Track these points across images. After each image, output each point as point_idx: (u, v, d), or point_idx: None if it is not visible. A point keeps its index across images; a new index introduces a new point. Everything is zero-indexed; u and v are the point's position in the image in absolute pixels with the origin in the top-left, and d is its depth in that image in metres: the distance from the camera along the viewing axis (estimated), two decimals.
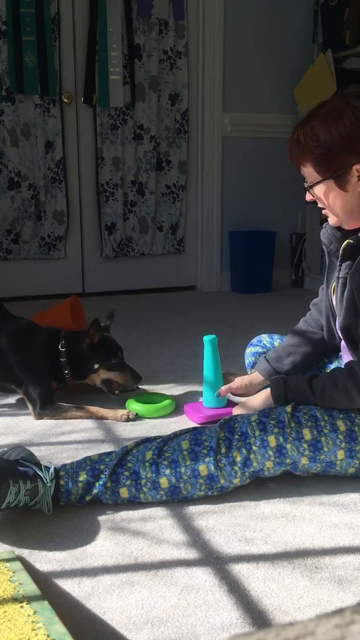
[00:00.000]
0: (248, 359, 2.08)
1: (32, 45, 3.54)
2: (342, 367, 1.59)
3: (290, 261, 4.35)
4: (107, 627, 1.04)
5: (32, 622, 1.00)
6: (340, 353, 1.76)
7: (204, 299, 3.95)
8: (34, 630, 0.98)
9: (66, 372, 2.07)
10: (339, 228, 1.62)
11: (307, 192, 1.55)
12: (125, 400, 2.07)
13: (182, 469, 1.40)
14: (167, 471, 1.40)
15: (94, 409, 1.98)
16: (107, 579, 1.17)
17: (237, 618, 1.06)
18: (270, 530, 1.33)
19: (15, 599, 1.06)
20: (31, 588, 1.09)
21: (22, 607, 1.04)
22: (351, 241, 1.50)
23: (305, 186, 1.55)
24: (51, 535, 1.31)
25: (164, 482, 1.40)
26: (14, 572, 1.14)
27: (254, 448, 1.42)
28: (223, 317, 3.40)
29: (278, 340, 2.04)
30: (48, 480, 1.35)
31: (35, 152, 3.68)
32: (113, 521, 1.37)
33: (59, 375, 2.08)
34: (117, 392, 2.10)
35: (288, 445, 1.42)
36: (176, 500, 1.43)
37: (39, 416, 1.97)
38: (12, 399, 2.15)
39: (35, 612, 1.02)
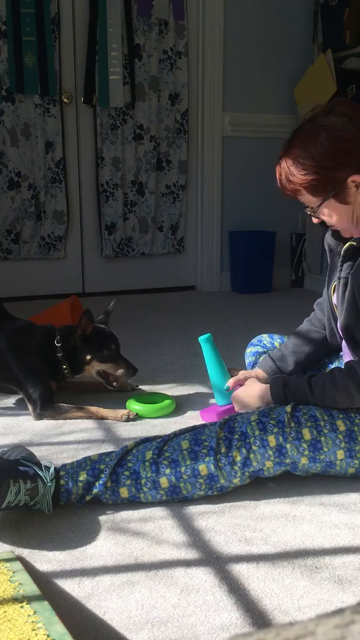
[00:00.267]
0: (248, 359, 2.08)
1: (32, 45, 3.54)
2: (342, 366, 1.59)
3: (290, 261, 4.35)
4: (107, 627, 1.04)
5: (32, 622, 1.00)
6: (342, 353, 1.76)
7: (204, 299, 3.95)
8: (34, 630, 0.98)
9: (64, 367, 2.06)
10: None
11: (312, 217, 1.55)
12: (125, 400, 2.07)
13: (182, 469, 1.40)
14: (167, 471, 1.40)
15: (94, 409, 1.97)
16: (107, 579, 1.17)
17: (237, 618, 1.06)
18: (270, 530, 1.33)
19: (15, 599, 1.06)
20: (31, 588, 1.09)
21: (22, 607, 1.04)
22: (354, 243, 1.51)
23: (309, 213, 1.55)
24: (51, 535, 1.31)
25: (164, 481, 1.40)
26: (14, 572, 1.14)
27: (254, 448, 1.42)
28: (223, 317, 3.40)
29: (278, 340, 2.04)
30: (48, 480, 1.35)
31: (35, 152, 3.68)
32: (113, 521, 1.37)
33: (58, 373, 2.07)
34: (115, 384, 2.09)
35: (288, 445, 1.42)
36: (176, 500, 1.43)
37: (39, 417, 1.96)
38: (12, 400, 2.15)
39: (35, 612, 1.02)
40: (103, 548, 1.27)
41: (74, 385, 2.21)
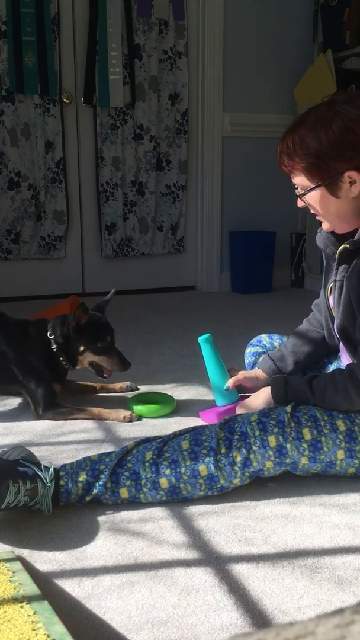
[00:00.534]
0: (248, 359, 2.08)
1: (32, 45, 3.54)
2: (343, 368, 1.59)
3: (290, 261, 4.35)
4: (107, 627, 1.04)
5: (32, 622, 1.00)
6: (340, 354, 1.77)
7: (204, 299, 3.95)
8: (34, 630, 0.98)
9: (62, 359, 2.01)
10: (332, 232, 1.62)
11: (299, 200, 1.55)
12: (125, 400, 2.07)
13: (182, 469, 1.40)
14: (167, 471, 1.40)
15: (96, 410, 1.96)
16: (107, 579, 1.17)
17: (237, 618, 1.06)
18: (270, 530, 1.33)
19: (15, 599, 1.06)
20: (31, 588, 1.09)
21: (22, 607, 1.04)
22: (347, 246, 1.50)
23: (297, 194, 1.55)
24: (51, 535, 1.31)
25: (164, 482, 1.40)
26: (14, 572, 1.14)
27: (254, 448, 1.42)
28: (223, 317, 3.40)
29: (278, 340, 2.04)
30: (48, 481, 1.35)
31: (35, 152, 3.68)
32: (113, 521, 1.37)
33: (57, 366, 2.02)
34: (105, 375, 2.03)
35: (288, 445, 1.42)
36: (176, 501, 1.43)
37: (40, 417, 1.96)
38: (12, 400, 2.15)
39: (35, 612, 1.02)
40: (103, 548, 1.27)
41: (75, 386, 2.21)
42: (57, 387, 2.03)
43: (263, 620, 1.06)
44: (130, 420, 1.94)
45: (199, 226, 4.18)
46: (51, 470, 1.37)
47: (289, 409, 1.47)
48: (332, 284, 1.61)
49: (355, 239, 1.50)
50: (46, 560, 1.23)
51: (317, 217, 1.57)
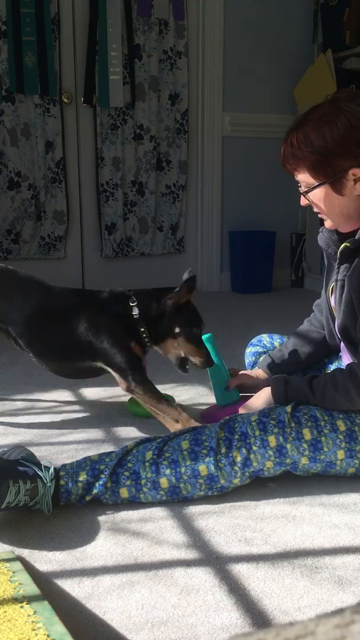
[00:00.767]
0: (248, 359, 2.08)
1: (32, 45, 3.54)
2: (343, 368, 1.59)
3: (290, 261, 4.35)
4: (107, 627, 1.04)
5: (32, 622, 1.00)
6: (340, 354, 1.77)
7: (204, 299, 3.95)
8: (34, 630, 0.98)
9: (143, 332, 1.81)
10: (336, 231, 1.62)
11: (302, 198, 1.55)
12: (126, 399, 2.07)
13: (182, 469, 1.40)
14: (167, 471, 1.40)
15: (177, 409, 1.75)
16: (107, 579, 1.17)
17: (237, 618, 1.06)
18: (270, 530, 1.33)
19: (15, 599, 1.06)
20: (31, 588, 1.09)
21: (22, 607, 1.04)
22: (348, 244, 1.50)
23: (301, 192, 1.55)
24: (51, 535, 1.31)
25: (164, 482, 1.40)
26: (14, 572, 1.14)
27: (254, 448, 1.42)
28: (223, 317, 3.40)
29: (278, 340, 2.04)
30: (48, 480, 1.35)
31: (35, 152, 3.67)
32: (113, 521, 1.37)
33: (138, 337, 1.82)
34: (186, 368, 1.86)
35: (288, 445, 1.42)
36: (176, 500, 1.43)
37: (133, 389, 1.74)
38: (12, 400, 2.15)
39: (35, 612, 1.02)
40: (103, 548, 1.27)
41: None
42: (138, 348, 1.82)
43: (263, 620, 1.06)
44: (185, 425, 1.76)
45: (199, 226, 4.18)
46: (51, 470, 1.37)
47: (289, 409, 1.47)
48: (333, 283, 1.61)
49: (356, 237, 1.50)
50: (46, 560, 1.23)
51: (320, 215, 1.57)
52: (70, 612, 1.08)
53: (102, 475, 1.40)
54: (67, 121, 3.75)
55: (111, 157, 3.84)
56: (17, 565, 1.17)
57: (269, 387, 1.63)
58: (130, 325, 1.81)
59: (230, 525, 1.35)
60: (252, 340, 2.13)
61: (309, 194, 1.52)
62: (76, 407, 2.06)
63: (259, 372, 1.87)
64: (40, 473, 1.35)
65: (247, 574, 1.18)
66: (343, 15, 3.68)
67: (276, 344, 2.03)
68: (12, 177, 3.67)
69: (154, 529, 1.33)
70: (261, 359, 1.92)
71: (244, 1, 3.96)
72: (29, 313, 1.82)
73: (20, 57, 3.54)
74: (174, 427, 1.72)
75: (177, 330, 1.80)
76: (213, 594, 1.12)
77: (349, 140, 1.42)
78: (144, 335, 1.82)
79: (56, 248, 3.84)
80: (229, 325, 3.18)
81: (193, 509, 1.41)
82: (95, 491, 1.40)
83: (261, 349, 2.05)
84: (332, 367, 1.84)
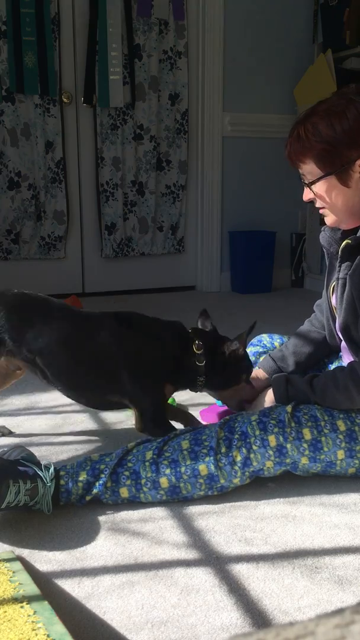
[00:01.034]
0: None
1: (32, 45, 3.54)
2: (344, 366, 1.59)
3: (290, 261, 4.35)
4: (107, 627, 1.04)
5: (32, 622, 1.00)
6: (341, 354, 1.76)
7: (204, 299, 3.95)
8: (34, 630, 0.98)
9: (200, 378, 1.68)
10: (338, 229, 1.62)
11: (306, 191, 1.54)
12: None
13: (182, 469, 1.40)
14: (167, 471, 1.40)
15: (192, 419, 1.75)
16: (107, 579, 1.17)
17: (237, 618, 1.06)
18: (270, 530, 1.33)
19: (15, 599, 1.06)
20: (31, 588, 1.09)
21: (22, 607, 1.04)
22: (349, 241, 1.50)
23: (305, 183, 1.53)
24: (51, 535, 1.31)
25: (164, 481, 1.40)
26: (14, 572, 1.14)
27: (254, 448, 1.42)
28: (223, 317, 3.40)
29: (278, 340, 2.04)
30: (48, 480, 1.35)
31: (35, 152, 3.67)
32: (113, 521, 1.37)
33: (192, 382, 1.70)
34: (245, 406, 1.76)
35: (288, 445, 1.42)
36: (176, 500, 1.43)
37: (147, 432, 1.63)
38: (12, 400, 2.15)
39: (35, 612, 1.02)
40: (103, 548, 1.27)
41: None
42: (170, 390, 1.70)
43: (263, 620, 1.06)
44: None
45: (199, 226, 4.18)
46: (51, 470, 1.37)
47: (289, 408, 1.47)
48: (334, 282, 1.61)
49: (358, 235, 1.49)
50: (46, 560, 1.23)
51: (322, 211, 1.56)
52: (70, 612, 1.08)
53: (102, 475, 1.40)
54: (67, 121, 3.75)
55: (111, 157, 3.84)
56: (17, 565, 1.17)
57: (271, 388, 1.63)
58: (189, 370, 1.67)
59: (230, 525, 1.35)
60: (252, 340, 2.13)
61: (313, 186, 1.51)
62: (76, 407, 2.06)
63: (259, 372, 1.87)
64: (40, 473, 1.35)
65: (247, 574, 1.18)
66: (343, 15, 3.68)
67: (276, 344, 2.03)
68: (12, 177, 3.67)
69: (154, 529, 1.33)
70: (261, 359, 1.92)
71: (244, 1, 3.96)
72: (58, 341, 1.62)
73: (20, 57, 3.54)
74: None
75: (244, 376, 1.73)
76: (213, 594, 1.12)
77: (358, 130, 1.42)
78: (200, 383, 1.69)
79: (56, 248, 3.84)
80: (229, 325, 3.18)
81: (193, 509, 1.41)
82: (95, 491, 1.40)
83: (261, 349, 2.04)
84: (333, 367, 1.84)
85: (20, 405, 2.10)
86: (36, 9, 3.51)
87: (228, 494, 1.46)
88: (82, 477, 1.40)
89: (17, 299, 1.68)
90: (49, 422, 1.94)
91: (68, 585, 1.15)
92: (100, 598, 1.11)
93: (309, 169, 1.50)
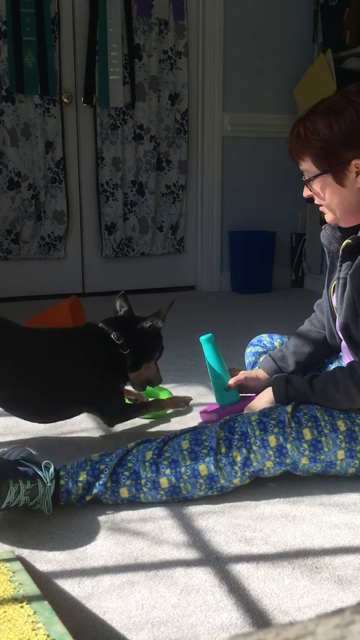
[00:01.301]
0: (248, 359, 2.07)
1: (32, 45, 3.54)
2: (344, 366, 1.59)
3: (290, 261, 4.35)
4: (107, 627, 1.04)
5: (32, 622, 1.00)
6: (341, 353, 1.76)
7: (204, 299, 3.95)
8: (34, 630, 0.98)
9: (128, 364, 1.81)
10: (339, 228, 1.62)
11: (305, 188, 1.55)
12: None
13: (182, 469, 1.40)
14: (167, 471, 1.40)
15: (156, 402, 1.94)
16: (107, 579, 1.17)
17: (237, 618, 1.06)
18: (270, 530, 1.33)
19: (15, 599, 1.06)
20: (31, 588, 1.09)
21: (22, 607, 1.04)
22: (350, 241, 1.50)
23: (303, 180, 1.55)
24: (51, 535, 1.31)
25: (164, 482, 1.40)
26: (14, 572, 1.14)
27: (254, 448, 1.42)
28: (223, 317, 3.40)
29: (278, 340, 2.04)
30: (48, 480, 1.35)
31: (35, 152, 3.68)
32: (113, 521, 1.37)
33: (124, 372, 1.83)
34: (144, 387, 1.93)
35: (288, 445, 1.42)
36: (176, 500, 1.43)
37: (114, 425, 1.84)
38: None
39: (35, 612, 1.02)
40: (103, 548, 1.27)
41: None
42: (122, 388, 1.88)
43: (263, 620, 1.06)
44: (187, 404, 1.97)
45: (199, 226, 4.18)
46: (51, 470, 1.37)
47: (289, 408, 1.47)
48: (335, 282, 1.61)
49: (359, 234, 1.50)
50: (46, 560, 1.23)
51: (321, 208, 1.57)
52: (70, 612, 1.08)
53: (102, 475, 1.40)
54: (67, 121, 3.75)
55: (111, 157, 3.84)
56: (17, 565, 1.17)
57: (271, 388, 1.63)
58: (117, 363, 1.79)
59: (230, 525, 1.35)
60: (252, 340, 2.13)
61: (311, 183, 1.52)
62: None
63: (259, 372, 1.87)
64: (40, 473, 1.35)
65: (247, 574, 1.18)
66: (343, 15, 3.68)
67: (276, 344, 2.03)
68: (12, 177, 3.67)
69: (154, 529, 1.34)
70: (261, 359, 1.92)
71: (244, 1, 3.96)
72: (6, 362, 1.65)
73: (20, 57, 3.54)
74: (178, 405, 1.95)
75: (157, 355, 1.88)
76: (213, 594, 1.12)
77: (355, 131, 1.43)
78: (127, 370, 1.82)
79: (56, 248, 3.84)
80: (229, 325, 3.18)
81: (193, 509, 1.41)
82: (95, 491, 1.40)
83: (261, 349, 2.04)
84: (333, 367, 1.84)
85: None
86: (36, 9, 3.51)
87: (228, 494, 1.46)
88: (82, 477, 1.40)
89: None
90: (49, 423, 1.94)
91: (68, 585, 1.15)
92: (100, 598, 1.11)
93: (307, 166, 1.52)
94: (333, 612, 0.44)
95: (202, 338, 1.88)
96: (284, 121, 4.06)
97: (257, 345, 2.07)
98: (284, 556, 1.24)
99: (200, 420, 1.92)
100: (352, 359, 1.59)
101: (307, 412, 1.47)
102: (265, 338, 2.08)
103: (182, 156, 4.03)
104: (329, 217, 1.57)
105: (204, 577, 1.17)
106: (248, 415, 1.49)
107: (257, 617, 1.06)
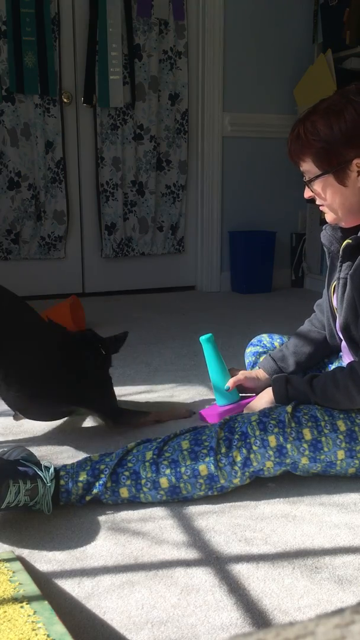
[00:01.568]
0: (248, 359, 2.07)
1: (32, 45, 3.54)
2: (344, 366, 1.59)
3: (290, 261, 4.35)
4: (107, 627, 1.04)
5: (32, 622, 1.00)
6: (341, 353, 1.76)
7: (204, 299, 3.95)
8: (34, 630, 0.98)
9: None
10: (339, 229, 1.62)
11: (306, 189, 1.55)
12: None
13: (182, 469, 1.40)
14: (167, 471, 1.40)
15: (157, 413, 1.92)
16: (107, 579, 1.17)
17: (237, 618, 1.06)
18: (270, 530, 1.33)
19: (15, 599, 1.06)
20: (31, 588, 1.09)
21: (22, 607, 1.04)
22: (350, 241, 1.50)
23: (304, 181, 1.55)
24: (51, 535, 1.31)
25: (164, 482, 1.40)
26: (14, 572, 1.14)
27: (254, 448, 1.42)
28: (223, 317, 3.40)
29: (278, 340, 2.04)
30: (48, 480, 1.35)
31: (35, 152, 3.68)
32: (113, 521, 1.37)
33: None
34: None
35: (288, 445, 1.42)
36: (176, 500, 1.43)
37: (117, 427, 1.85)
38: None
39: (35, 612, 1.02)
40: (103, 548, 1.27)
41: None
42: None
43: (263, 620, 1.06)
44: (188, 414, 1.95)
45: (199, 226, 4.18)
46: (51, 470, 1.37)
47: (289, 408, 1.47)
48: (335, 282, 1.61)
49: (359, 234, 1.50)
50: (46, 560, 1.23)
51: (322, 208, 1.57)
52: (70, 612, 1.08)
53: (102, 475, 1.40)
54: (67, 121, 3.75)
55: (111, 157, 3.84)
56: (17, 565, 1.17)
57: (271, 388, 1.63)
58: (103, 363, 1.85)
59: (230, 525, 1.35)
60: (252, 340, 2.13)
61: (312, 184, 1.52)
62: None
63: (259, 372, 1.87)
64: (40, 473, 1.35)
65: (247, 574, 1.18)
66: (343, 15, 3.68)
67: (276, 344, 2.03)
68: (12, 177, 3.67)
69: (154, 529, 1.34)
70: (261, 359, 1.92)
71: (244, 1, 3.96)
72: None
73: (20, 57, 3.54)
74: (181, 415, 1.93)
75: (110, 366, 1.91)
76: (213, 594, 1.12)
77: (355, 131, 1.43)
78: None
79: (56, 248, 3.84)
80: (229, 325, 3.18)
81: (193, 509, 1.41)
82: (95, 491, 1.40)
83: (261, 349, 2.04)
84: (333, 367, 1.84)
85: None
86: (36, 9, 3.51)
87: (228, 494, 1.46)
88: (82, 477, 1.40)
89: None
90: (49, 422, 1.94)
91: (68, 585, 1.15)
92: (100, 598, 1.11)
93: (307, 167, 1.51)
94: (333, 612, 0.44)
95: (202, 338, 1.88)
96: (284, 121, 4.06)
97: (257, 345, 2.07)
98: (284, 556, 1.24)
99: (200, 420, 1.92)
100: (352, 359, 1.59)
101: (307, 412, 1.47)
102: (265, 338, 2.08)
103: (182, 156, 4.03)
104: (330, 217, 1.57)
105: (204, 577, 1.17)
106: (248, 415, 1.49)
107: (257, 617, 1.06)
